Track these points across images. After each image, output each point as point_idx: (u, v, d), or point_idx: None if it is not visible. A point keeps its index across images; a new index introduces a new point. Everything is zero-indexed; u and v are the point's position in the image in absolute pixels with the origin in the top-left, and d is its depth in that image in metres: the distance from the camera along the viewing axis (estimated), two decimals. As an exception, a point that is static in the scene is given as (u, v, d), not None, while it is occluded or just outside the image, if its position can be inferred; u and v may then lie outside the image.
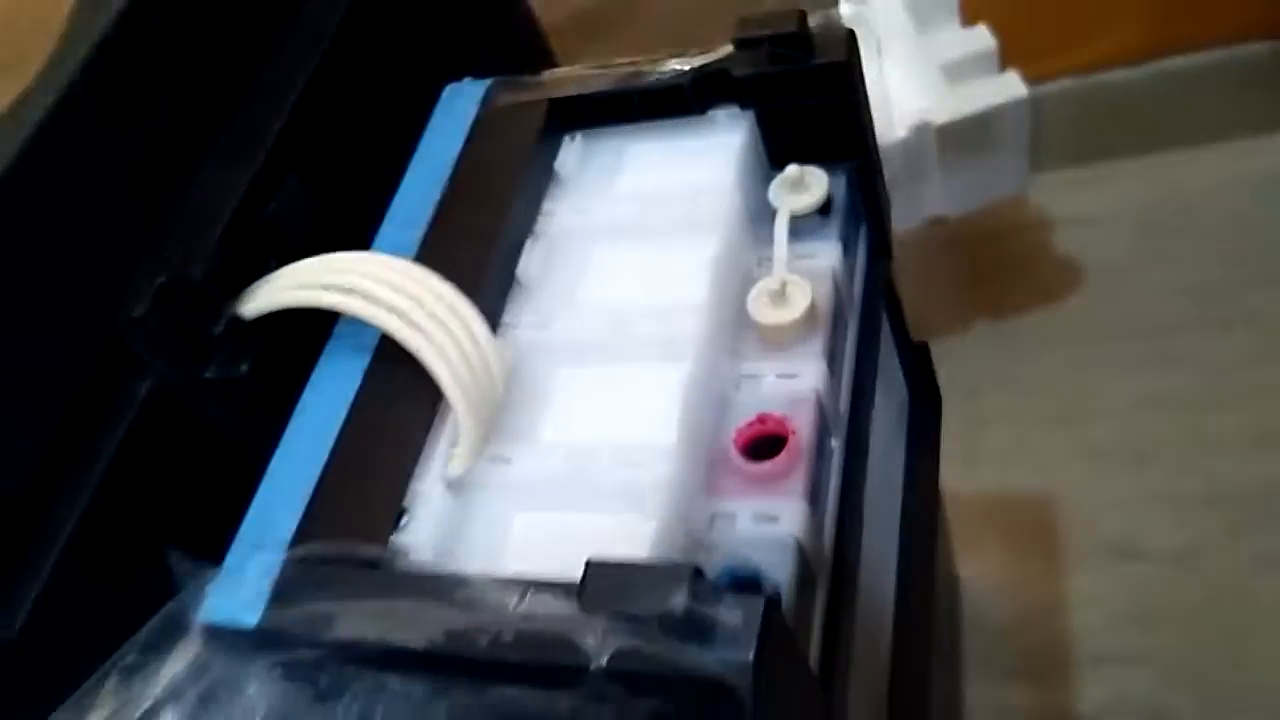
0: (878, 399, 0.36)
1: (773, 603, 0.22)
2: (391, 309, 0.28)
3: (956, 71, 0.74)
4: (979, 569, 0.79)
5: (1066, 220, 0.89)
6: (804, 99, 0.32)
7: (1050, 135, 0.87)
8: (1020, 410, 0.83)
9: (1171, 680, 0.70)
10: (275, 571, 0.26)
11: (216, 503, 0.27)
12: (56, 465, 0.27)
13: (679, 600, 0.21)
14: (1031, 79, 0.72)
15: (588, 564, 0.22)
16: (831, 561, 0.29)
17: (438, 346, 0.27)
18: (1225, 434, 0.76)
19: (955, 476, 0.71)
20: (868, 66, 0.33)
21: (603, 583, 0.22)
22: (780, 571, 0.26)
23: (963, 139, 0.74)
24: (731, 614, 0.21)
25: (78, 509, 0.27)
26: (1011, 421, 0.83)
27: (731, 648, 0.21)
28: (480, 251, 0.31)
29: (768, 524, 0.27)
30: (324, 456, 0.27)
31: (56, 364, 0.27)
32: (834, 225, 0.32)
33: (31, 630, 0.26)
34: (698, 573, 0.22)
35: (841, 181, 0.33)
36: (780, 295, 0.30)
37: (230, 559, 0.27)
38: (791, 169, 0.32)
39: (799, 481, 0.28)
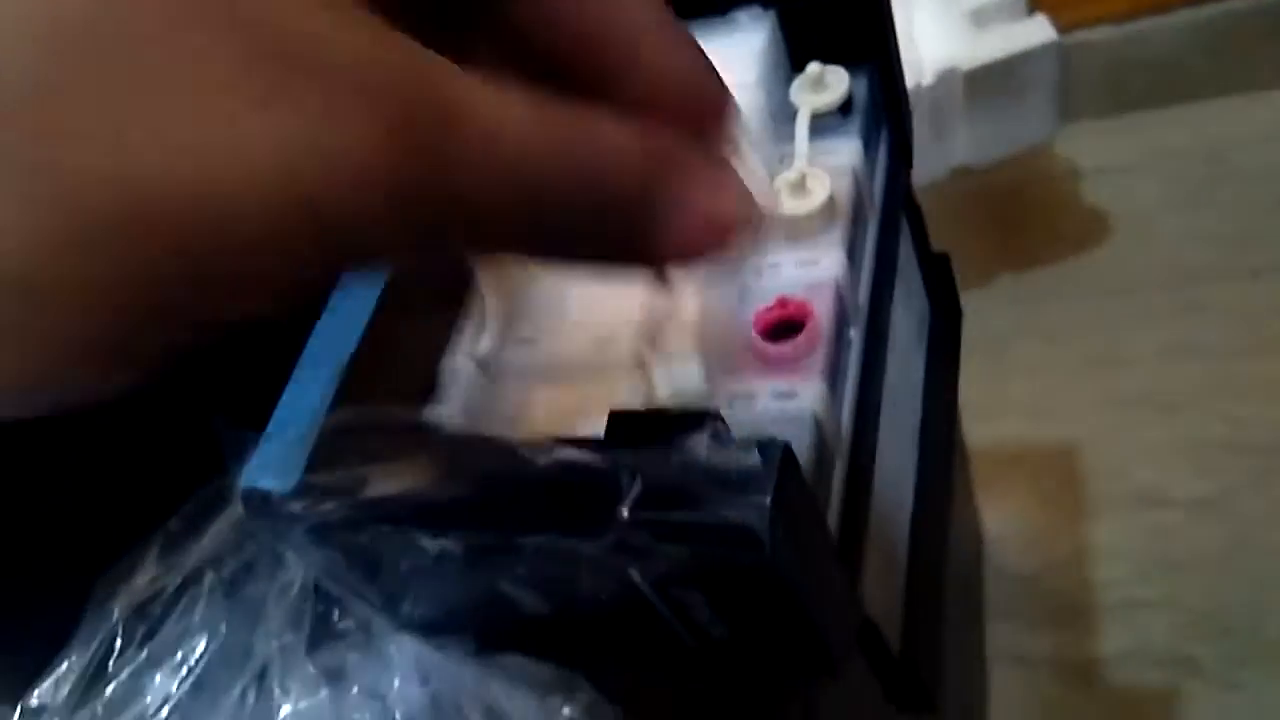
0: (898, 308, 0.37)
1: (790, 451, 0.22)
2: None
3: (984, 16, 0.74)
4: (1004, 519, 0.80)
5: (1095, 170, 0.89)
6: (826, -3, 0.33)
7: (1079, 84, 0.86)
8: (1046, 360, 0.83)
9: (1195, 628, 0.70)
10: (311, 437, 0.27)
11: (260, 376, 0.28)
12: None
13: (700, 444, 0.22)
14: (1061, 27, 0.72)
15: (611, 413, 0.23)
16: (850, 445, 0.30)
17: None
18: (1253, 382, 0.76)
19: (981, 427, 0.71)
20: (895, 12, 0.34)
21: (627, 431, 0.23)
22: (799, 445, 0.27)
23: (989, 85, 0.74)
24: (750, 459, 0.22)
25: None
26: (1037, 372, 0.83)
27: (751, 491, 0.22)
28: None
29: (786, 401, 0.28)
30: (359, 334, 0.28)
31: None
32: (855, 124, 0.33)
33: (86, 492, 0.28)
34: (718, 418, 0.22)
35: (863, 82, 0.34)
36: (800, 186, 0.31)
37: (270, 427, 0.28)
38: (813, 67, 0.33)
39: (818, 361, 0.28)
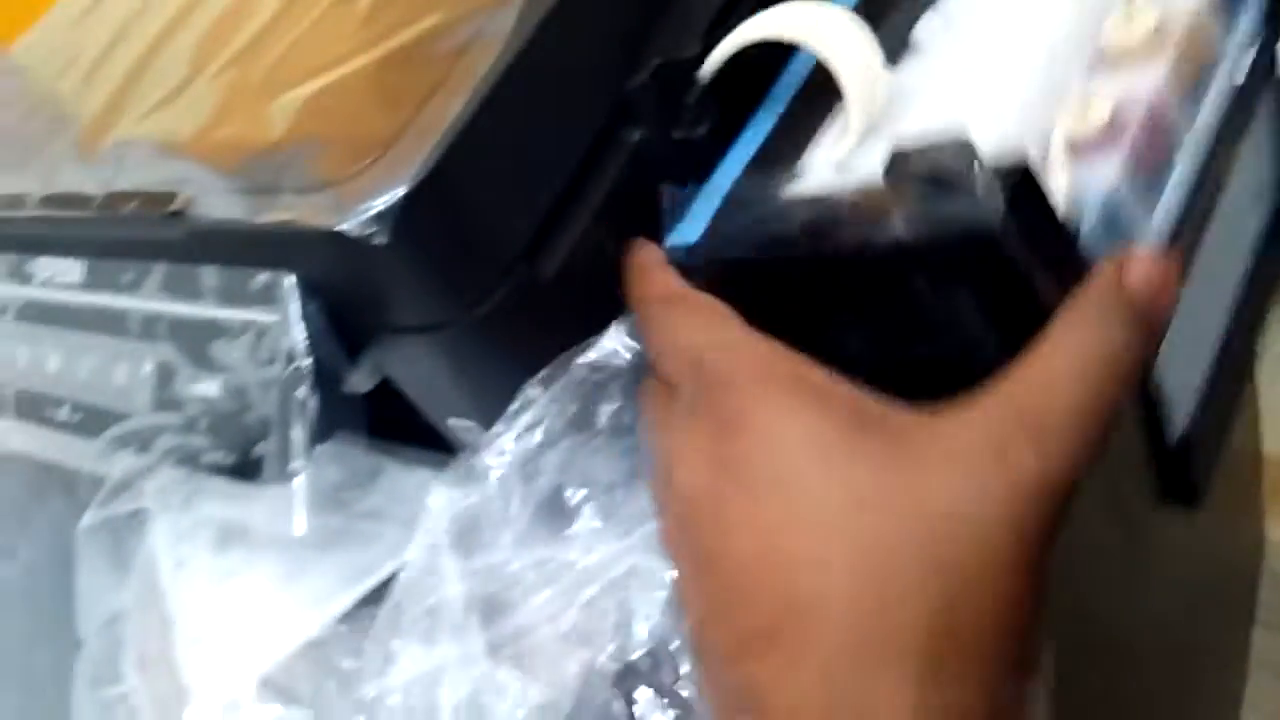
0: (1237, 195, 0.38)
1: (1030, 167, 0.28)
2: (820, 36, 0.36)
3: None
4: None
5: None
6: None
7: None
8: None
9: None
10: (713, 208, 0.37)
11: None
12: (573, 184, 0.38)
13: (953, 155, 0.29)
14: None
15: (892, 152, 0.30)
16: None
17: (844, 59, 0.35)
18: None
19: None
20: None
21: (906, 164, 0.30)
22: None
23: None
24: (989, 170, 0.28)
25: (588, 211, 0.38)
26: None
27: (985, 196, 0.28)
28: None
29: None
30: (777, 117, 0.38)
31: (582, 115, 0.38)
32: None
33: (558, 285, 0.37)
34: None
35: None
36: (1127, 19, 0.35)
37: (701, 189, 0.38)
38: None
39: (1119, 151, 0.33)
